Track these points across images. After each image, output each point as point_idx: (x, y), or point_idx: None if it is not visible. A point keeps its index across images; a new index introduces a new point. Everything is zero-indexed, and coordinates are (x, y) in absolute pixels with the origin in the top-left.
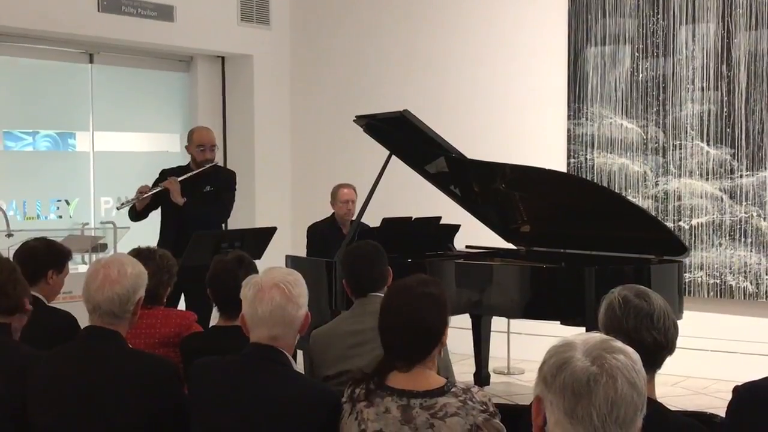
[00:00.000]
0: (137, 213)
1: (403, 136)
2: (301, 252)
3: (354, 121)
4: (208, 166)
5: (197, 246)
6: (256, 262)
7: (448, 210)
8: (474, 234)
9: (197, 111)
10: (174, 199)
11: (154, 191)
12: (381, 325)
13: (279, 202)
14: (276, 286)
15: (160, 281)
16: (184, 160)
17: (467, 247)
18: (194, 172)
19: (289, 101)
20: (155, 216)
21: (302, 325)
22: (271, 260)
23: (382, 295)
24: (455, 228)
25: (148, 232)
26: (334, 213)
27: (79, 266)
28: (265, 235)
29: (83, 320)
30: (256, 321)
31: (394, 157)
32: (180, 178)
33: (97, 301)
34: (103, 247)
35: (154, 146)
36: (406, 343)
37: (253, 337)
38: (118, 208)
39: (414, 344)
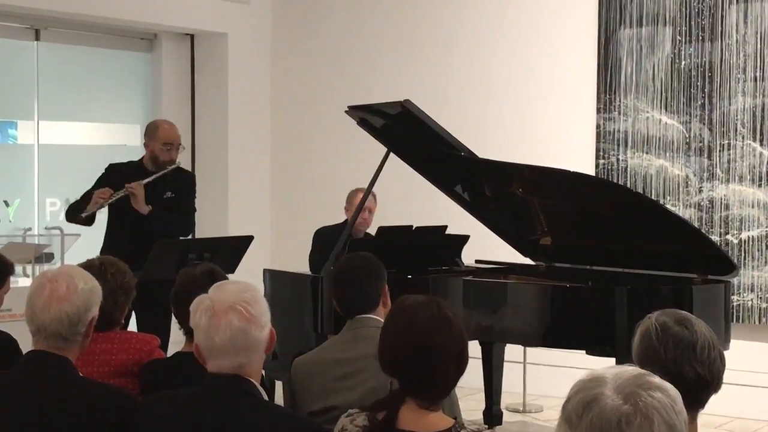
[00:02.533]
0: (88, 218)
1: (404, 130)
2: (284, 264)
3: (346, 112)
4: (172, 167)
5: (159, 257)
6: (230, 276)
7: (455, 218)
8: (485, 246)
9: (161, 98)
10: (137, 206)
11: (115, 198)
12: (393, 352)
13: (256, 206)
14: (232, 309)
15: (115, 303)
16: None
17: (477, 261)
18: (159, 174)
19: (269, 88)
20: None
21: (268, 346)
22: (247, 274)
23: (375, 317)
24: (463, 239)
25: (101, 238)
26: (346, 220)
27: (20, 279)
28: (240, 244)
29: (26, 343)
30: (216, 351)
31: (392, 156)
32: (145, 182)
33: (43, 321)
34: (49, 258)
35: (110, 139)
36: (436, 375)
37: (213, 367)
38: (70, 220)
39: (442, 376)
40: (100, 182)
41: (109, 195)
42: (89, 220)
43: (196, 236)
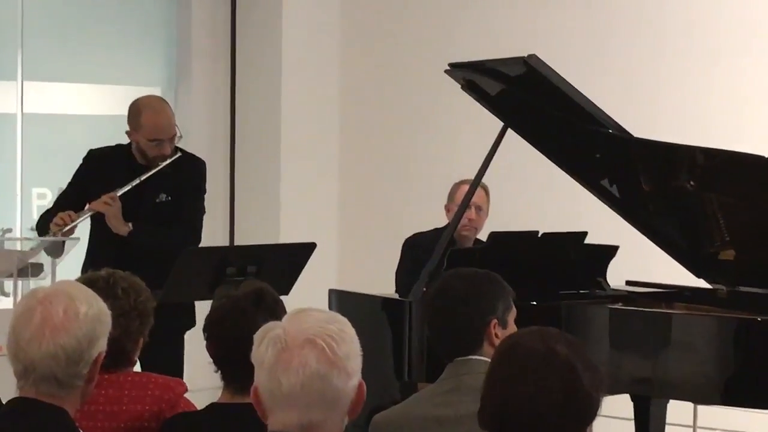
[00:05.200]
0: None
1: (527, 98)
2: (357, 283)
3: (447, 72)
4: (166, 163)
5: (186, 272)
6: (284, 299)
7: (597, 221)
8: (640, 262)
9: (190, 53)
10: (113, 227)
11: (79, 221)
12: (496, 408)
13: (319, 204)
14: (310, 344)
15: (127, 331)
16: None
17: (629, 283)
18: (144, 177)
19: (337, 45)
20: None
21: (353, 404)
22: (307, 296)
23: (487, 359)
24: (610, 251)
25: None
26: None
27: None
28: (297, 255)
29: (7, 388)
30: (280, 399)
31: (510, 133)
32: (120, 192)
33: (31, 358)
34: (37, 270)
35: (120, 107)
36: None
37: (275, 425)
38: (42, 234)
39: None
40: (78, 177)
41: (66, 221)
42: (40, 228)
43: (234, 243)
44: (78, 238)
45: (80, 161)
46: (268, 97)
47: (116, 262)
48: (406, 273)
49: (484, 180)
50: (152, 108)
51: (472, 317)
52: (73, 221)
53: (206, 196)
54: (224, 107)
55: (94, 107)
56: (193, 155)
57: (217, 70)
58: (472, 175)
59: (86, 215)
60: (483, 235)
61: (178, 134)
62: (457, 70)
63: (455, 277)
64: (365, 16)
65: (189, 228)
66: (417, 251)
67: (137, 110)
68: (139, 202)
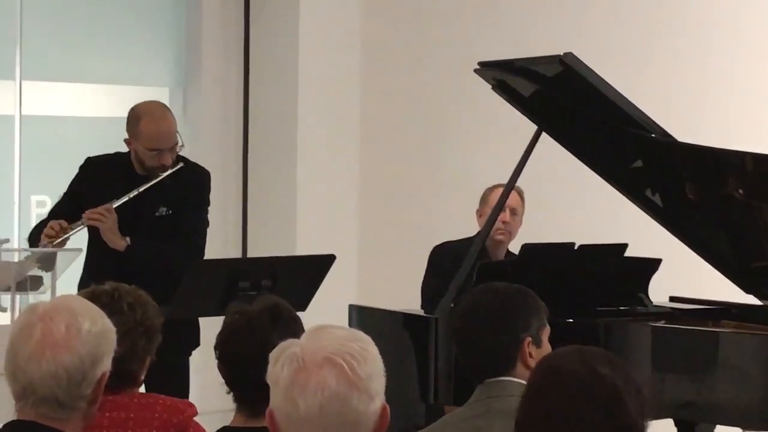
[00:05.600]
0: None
1: (562, 100)
2: (379, 298)
3: (476, 71)
4: (166, 173)
5: (195, 286)
6: (300, 315)
7: (639, 232)
8: (685, 276)
9: (200, 50)
10: (109, 242)
11: (72, 233)
12: None
13: (338, 212)
14: (329, 363)
15: (132, 349)
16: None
17: (672, 299)
18: (142, 189)
19: (359, 42)
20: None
21: (376, 429)
22: (325, 312)
23: (520, 381)
24: (652, 265)
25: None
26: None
27: None
28: (315, 268)
29: (5, 410)
30: (297, 423)
31: (544, 137)
32: (116, 204)
33: (30, 378)
34: (37, 284)
35: (125, 108)
36: None
37: None
38: (33, 246)
39: None
40: (75, 186)
41: (57, 232)
42: (33, 239)
43: (247, 255)
44: (80, 249)
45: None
46: (284, 100)
47: (115, 275)
48: (433, 286)
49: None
50: (152, 115)
51: (505, 335)
52: (66, 232)
53: (217, 205)
54: (237, 110)
55: (97, 109)
56: (196, 164)
57: (229, 70)
58: (505, 182)
59: (80, 227)
60: (515, 247)
61: (180, 143)
62: (487, 69)
63: (486, 291)
64: (389, 11)
65: (190, 243)
66: (446, 260)
67: (136, 116)
68: (138, 215)
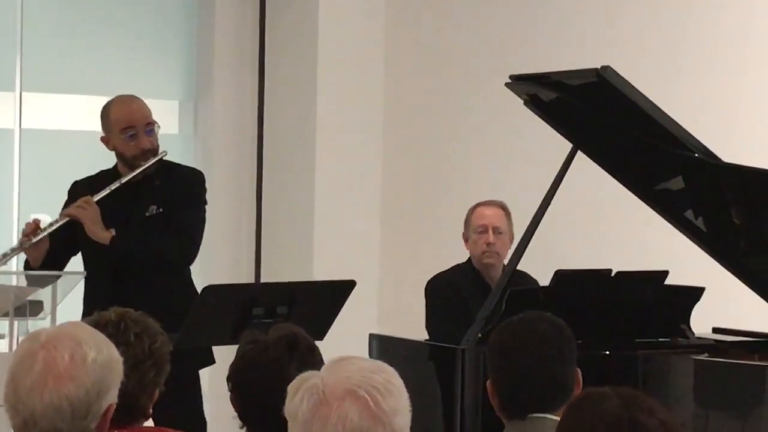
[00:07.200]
0: (31, 268)
1: (599, 116)
2: (402, 326)
3: (508, 85)
4: (150, 162)
5: (206, 312)
6: (318, 344)
7: (680, 259)
8: (730, 306)
9: (212, 61)
10: (92, 234)
11: (51, 229)
12: None
13: (359, 235)
14: (352, 396)
15: (140, 381)
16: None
17: (716, 330)
18: (125, 179)
19: (383, 49)
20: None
21: None
22: (344, 342)
23: (558, 418)
24: (695, 293)
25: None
26: (470, 257)
27: None
28: (334, 295)
29: None
30: None
31: (579, 155)
32: (97, 196)
33: (32, 410)
34: (37, 309)
35: None
36: None
37: None
38: (27, 268)
39: None
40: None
41: (33, 229)
42: (29, 265)
43: (261, 280)
44: (82, 273)
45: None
46: (302, 113)
47: (112, 300)
48: (441, 319)
49: (553, 212)
50: (120, 99)
51: (564, 366)
52: (43, 229)
53: (229, 226)
54: (251, 125)
55: (99, 122)
56: (189, 167)
57: (243, 82)
58: (534, 207)
59: (60, 222)
60: (545, 271)
61: (157, 125)
62: (519, 83)
63: (540, 320)
64: (413, 20)
65: (183, 235)
66: (445, 291)
67: (106, 108)
68: (128, 215)
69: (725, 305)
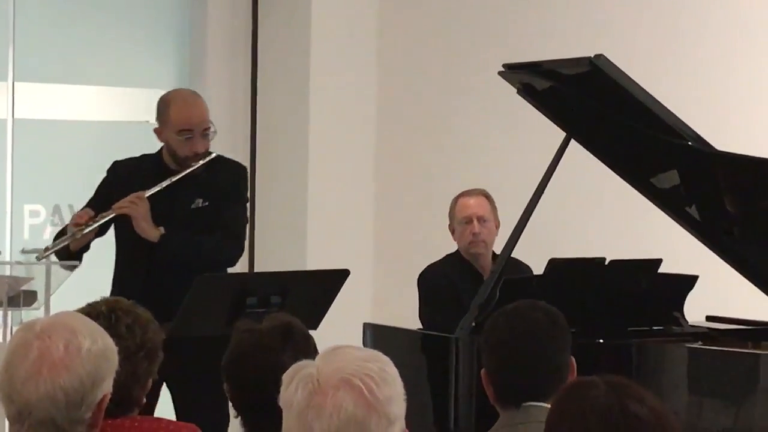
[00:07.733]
0: (69, 254)
1: (593, 104)
2: (396, 316)
3: (501, 74)
4: (199, 164)
5: (200, 302)
6: (311, 334)
7: (674, 247)
8: (723, 294)
9: (205, 51)
10: (141, 231)
11: (102, 221)
12: None
13: (353, 224)
14: (346, 385)
15: (133, 373)
16: None
17: (709, 318)
18: (176, 179)
19: (376, 39)
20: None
21: None
22: (338, 331)
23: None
24: (688, 282)
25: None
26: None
27: None
28: (327, 284)
29: None
30: None
31: (573, 145)
32: (149, 192)
33: (26, 400)
34: (30, 299)
35: (126, 112)
36: None
37: None
38: (39, 258)
39: None
40: (103, 190)
41: (86, 220)
42: (74, 255)
43: (255, 270)
44: (77, 264)
45: (84, 173)
46: (295, 104)
47: (144, 292)
48: (434, 309)
49: (546, 201)
50: (182, 98)
51: (558, 354)
52: (94, 221)
53: None
54: (244, 115)
55: (95, 112)
56: (234, 160)
57: (236, 71)
58: (527, 197)
59: (110, 216)
60: (539, 260)
61: (213, 129)
62: (512, 72)
63: (536, 309)
64: (406, 9)
65: (231, 235)
66: (439, 282)
67: (165, 103)
68: (173, 208)
69: (719, 293)
